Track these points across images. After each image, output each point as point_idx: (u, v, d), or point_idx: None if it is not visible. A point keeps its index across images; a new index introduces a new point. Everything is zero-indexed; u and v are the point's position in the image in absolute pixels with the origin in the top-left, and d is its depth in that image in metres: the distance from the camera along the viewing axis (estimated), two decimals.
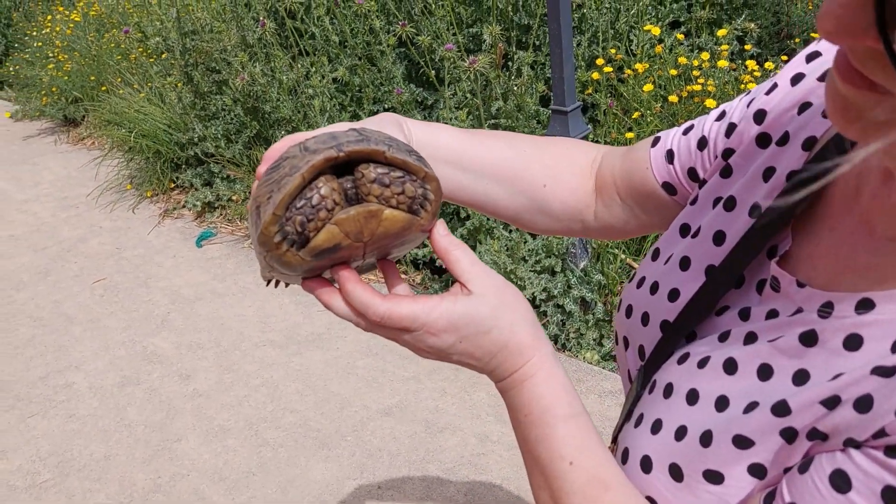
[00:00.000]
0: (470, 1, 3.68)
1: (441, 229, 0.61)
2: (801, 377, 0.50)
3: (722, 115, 0.71)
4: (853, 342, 0.48)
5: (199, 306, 3.39)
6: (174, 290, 3.56)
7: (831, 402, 0.46)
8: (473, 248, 3.10)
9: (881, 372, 0.44)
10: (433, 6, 3.32)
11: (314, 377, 2.81)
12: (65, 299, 3.62)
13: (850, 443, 0.45)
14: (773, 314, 0.55)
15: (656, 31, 3.31)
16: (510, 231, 2.96)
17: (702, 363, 0.58)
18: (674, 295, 0.65)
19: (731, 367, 0.55)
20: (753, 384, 0.53)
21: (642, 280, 0.71)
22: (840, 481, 0.44)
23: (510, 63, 3.40)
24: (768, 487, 0.50)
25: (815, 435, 0.47)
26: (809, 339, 0.51)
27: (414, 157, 0.58)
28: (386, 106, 3.56)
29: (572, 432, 0.56)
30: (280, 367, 2.89)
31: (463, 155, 0.76)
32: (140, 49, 5.22)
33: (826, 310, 0.51)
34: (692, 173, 0.72)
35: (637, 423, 0.61)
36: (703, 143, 0.71)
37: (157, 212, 4.43)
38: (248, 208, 0.62)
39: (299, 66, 3.67)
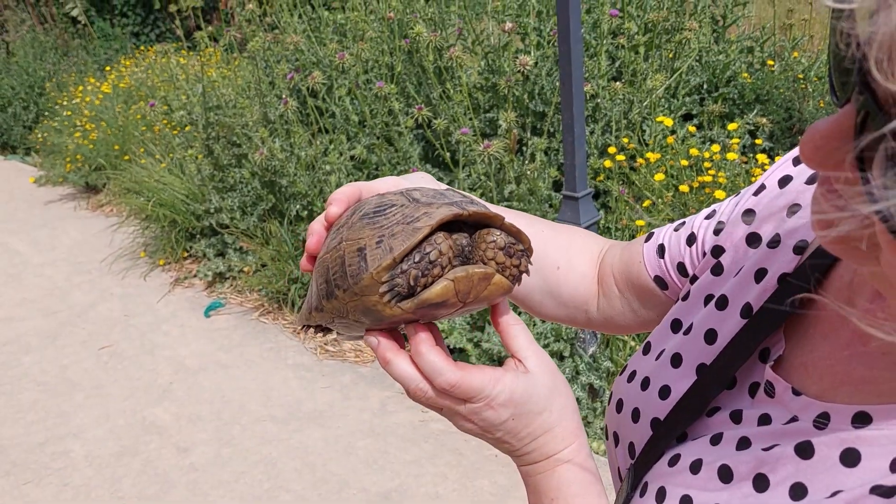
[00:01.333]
0: (487, 87, 3.78)
1: (504, 302, 0.62)
2: (798, 491, 0.48)
3: (712, 214, 0.72)
4: (851, 458, 0.46)
5: (203, 377, 3.36)
6: (178, 360, 3.54)
7: None
8: (482, 328, 3.08)
9: (880, 492, 0.43)
10: (451, 91, 3.41)
11: (313, 455, 2.76)
12: (71, 364, 3.61)
13: None
14: (765, 420, 0.54)
15: (669, 122, 3.37)
16: (519, 313, 2.95)
17: (694, 467, 0.57)
18: (665, 392, 0.64)
19: (725, 475, 0.54)
20: (749, 495, 0.51)
21: (633, 374, 0.70)
22: None
23: (524, 148, 3.46)
24: None
25: None
26: (805, 451, 0.49)
27: (523, 231, 0.60)
28: None
29: None
30: (280, 444, 2.84)
31: None
32: (164, 121, 5.37)
33: (822, 421, 0.49)
34: (681, 268, 0.73)
35: None
36: (691, 239, 0.73)
37: (168, 280, 4.45)
38: (315, 248, 0.62)
39: (318, 143, 3.75)
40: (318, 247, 0.62)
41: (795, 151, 0.64)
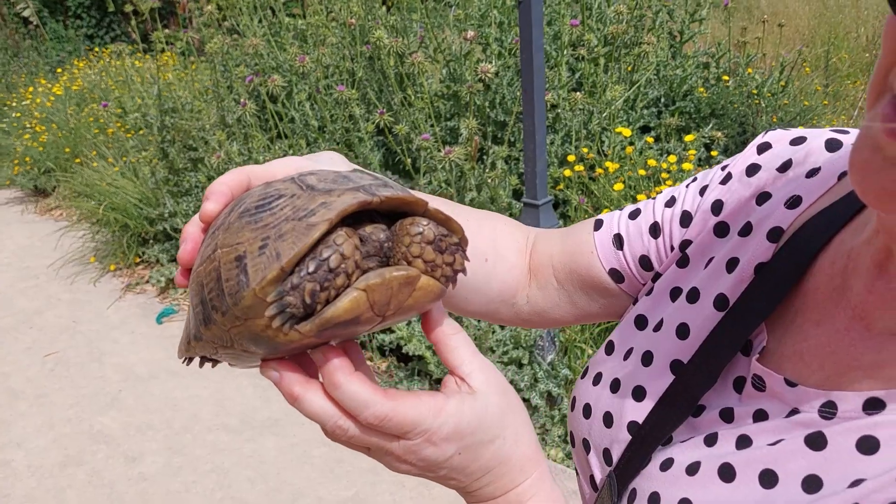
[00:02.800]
0: (449, 96, 3.78)
1: (439, 308, 0.51)
2: (811, 484, 0.45)
3: (672, 202, 0.68)
4: (868, 445, 0.44)
5: (153, 385, 3.26)
6: (128, 368, 3.43)
7: None
8: None
9: None
10: (412, 98, 3.40)
11: (267, 465, 2.69)
12: (13, 372, 3.47)
13: None
14: (762, 415, 0.51)
15: (627, 132, 3.42)
16: (479, 320, 2.93)
17: (691, 469, 0.52)
18: (639, 393, 0.60)
19: (727, 473, 0.50)
20: (755, 491, 0.48)
21: (598, 376, 0.66)
22: None
23: (485, 157, 3.46)
24: None
25: None
26: (817, 442, 0.46)
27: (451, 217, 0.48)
28: None
29: None
30: (232, 453, 2.76)
31: None
32: (118, 124, 5.24)
33: (829, 410, 0.47)
34: (644, 261, 0.69)
35: None
36: (656, 231, 0.68)
37: (119, 286, 4.33)
38: (188, 260, 0.48)
39: (277, 147, 3.70)
40: (193, 257, 0.49)
41: (759, 139, 0.64)
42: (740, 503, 0.48)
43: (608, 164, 3.30)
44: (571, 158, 3.30)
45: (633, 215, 0.71)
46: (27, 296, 4.35)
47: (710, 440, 0.53)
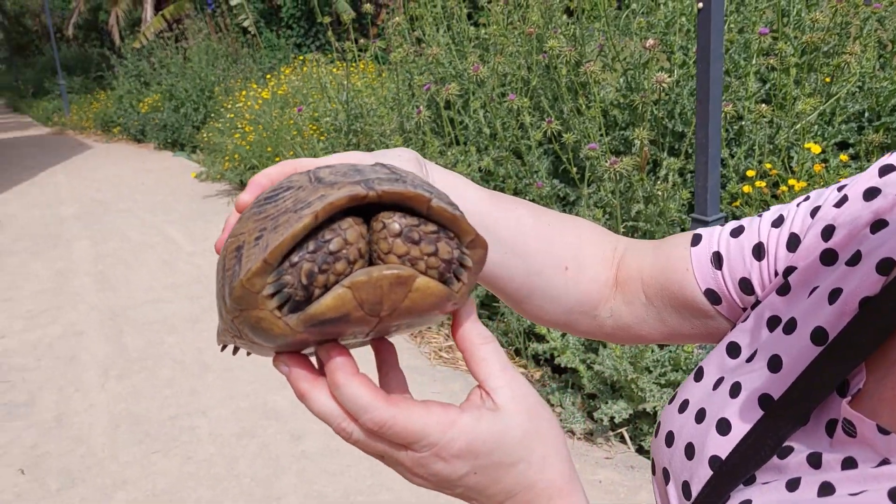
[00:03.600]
0: (625, 105, 3.70)
1: (470, 314, 0.48)
2: None
3: (780, 221, 0.63)
4: None
5: None
6: None
7: None
8: (595, 349, 3.01)
9: None
10: (583, 107, 3.37)
11: None
12: (206, 348, 3.87)
13: None
14: (850, 463, 0.47)
15: (817, 149, 3.15)
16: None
17: None
18: (724, 427, 0.57)
19: None
20: None
21: (685, 403, 0.62)
22: None
23: (658, 168, 3.35)
24: None
25: None
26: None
27: (460, 213, 0.44)
28: (528, 198, 3.60)
29: None
30: None
31: (488, 217, 0.64)
32: (313, 127, 5.66)
33: None
34: (745, 284, 0.64)
35: None
36: (760, 252, 0.63)
37: None
38: (220, 247, 0.47)
39: (449, 153, 3.82)
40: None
41: (883, 161, 0.58)
42: None
43: (793, 181, 3.07)
44: (751, 174, 3.10)
45: (736, 233, 0.65)
46: None
47: (793, 485, 0.49)
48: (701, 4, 2.43)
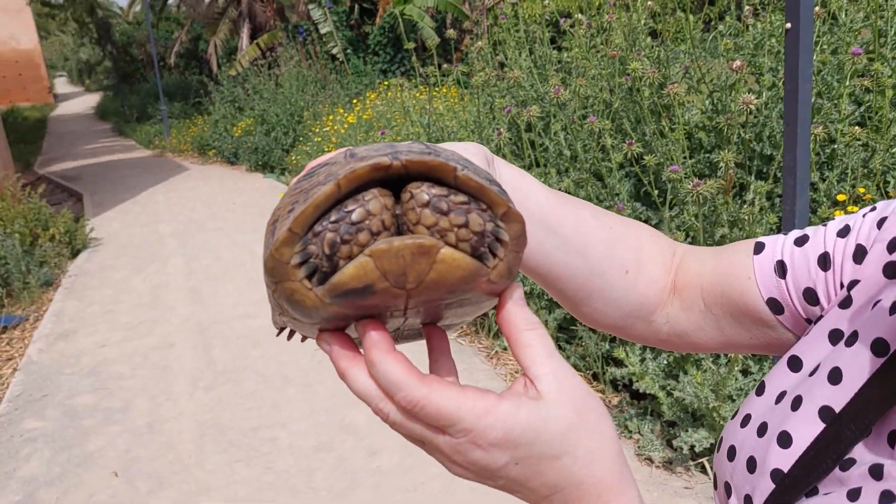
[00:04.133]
0: (711, 127, 3.63)
1: (515, 297, 0.46)
2: None
3: (846, 231, 0.62)
4: None
5: None
6: None
7: None
8: (676, 376, 2.94)
9: None
10: (666, 129, 3.32)
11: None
12: (288, 362, 3.98)
13: None
14: None
15: None
16: (718, 363, 2.77)
17: None
18: (785, 439, 0.56)
19: None
20: None
21: (747, 418, 0.61)
22: None
23: (745, 192, 3.27)
24: None
25: None
26: None
27: (495, 186, 0.43)
28: None
29: None
30: None
31: (552, 215, 0.64)
32: None
33: None
34: (809, 294, 0.63)
35: None
36: (825, 262, 0.62)
37: None
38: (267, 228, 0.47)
39: (530, 175, 3.83)
40: None
41: None
42: None
43: None
44: (842, 198, 2.99)
45: (800, 242, 0.65)
46: None
47: (854, 495, 0.49)
48: (789, 25, 2.37)
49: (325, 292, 0.40)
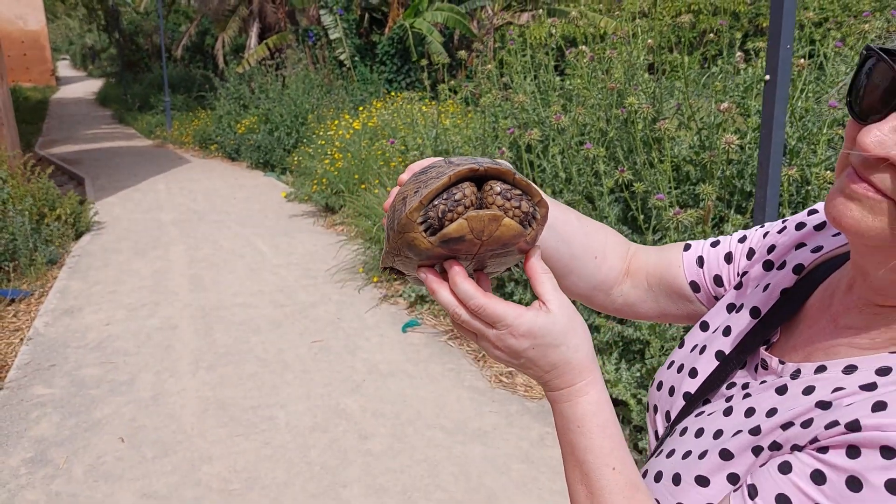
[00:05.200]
0: (697, 162, 3.93)
1: (537, 254, 0.73)
2: (771, 412, 0.70)
3: (744, 239, 0.93)
4: (808, 390, 0.68)
5: (391, 381, 3.79)
6: (373, 363, 4.01)
7: (787, 426, 0.67)
8: (645, 387, 3.20)
9: (821, 405, 0.66)
10: (655, 160, 3.61)
11: (471, 466, 3.04)
12: (287, 349, 4.22)
13: (795, 448, 0.65)
14: (764, 384, 0.77)
15: None
16: None
17: (709, 414, 0.79)
18: (693, 373, 0.86)
19: (728, 411, 0.76)
20: (741, 419, 0.73)
21: (672, 363, 0.91)
22: (785, 468, 0.64)
23: (723, 223, 3.55)
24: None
25: (774, 446, 0.67)
26: (782, 390, 0.72)
27: (535, 186, 0.70)
28: None
29: (616, 445, 0.73)
30: (443, 450, 3.16)
31: (552, 214, 0.91)
32: (399, 159, 6.05)
33: (795, 374, 0.72)
34: (717, 279, 0.94)
35: (660, 454, 0.81)
36: (729, 258, 0.93)
37: (377, 296, 5.01)
38: (388, 206, 0.74)
39: None
40: (390, 204, 0.75)
41: (812, 207, 0.87)
42: (730, 425, 0.73)
43: None
44: None
45: (714, 245, 0.96)
46: (307, 292, 5.20)
47: (728, 400, 0.79)
48: (768, 77, 2.67)
49: (436, 239, 0.67)
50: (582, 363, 0.72)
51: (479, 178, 0.69)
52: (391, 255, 0.75)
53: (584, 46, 4.54)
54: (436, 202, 0.67)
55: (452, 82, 6.07)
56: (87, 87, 29.20)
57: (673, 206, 3.36)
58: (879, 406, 0.60)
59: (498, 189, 0.67)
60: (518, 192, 0.68)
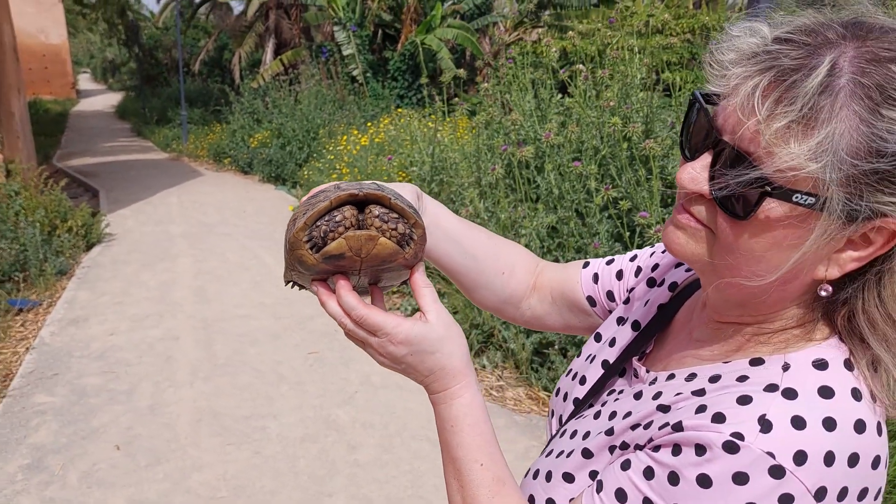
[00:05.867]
0: None
1: (420, 270, 0.81)
2: (626, 415, 0.77)
3: (634, 258, 1.01)
4: (656, 396, 0.76)
5: (382, 393, 3.85)
6: (366, 376, 4.08)
7: (635, 426, 0.74)
8: None
9: (661, 409, 0.73)
10: (642, 179, 3.67)
11: None
12: (284, 361, 4.30)
13: (637, 447, 0.73)
14: (638, 395, 0.83)
15: None
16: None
17: (584, 417, 0.87)
18: (583, 380, 0.94)
19: (597, 415, 0.84)
20: (604, 422, 0.81)
21: (570, 371, 1.00)
22: (626, 465, 0.71)
23: None
24: None
25: (624, 446, 0.75)
26: (638, 396, 0.79)
27: (411, 209, 0.77)
28: (589, 256, 3.89)
29: (484, 442, 0.79)
30: (429, 462, 3.21)
31: (458, 233, 0.99)
32: (402, 174, 6.13)
33: (653, 381, 0.80)
34: (609, 294, 1.02)
35: (544, 454, 0.88)
36: (620, 275, 1.01)
37: None
38: (288, 223, 0.81)
39: (519, 210, 4.17)
40: None
41: None
42: (595, 427, 0.81)
43: None
44: None
45: (609, 262, 1.03)
46: (305, 304, 5.28)
47: (603, 404, 0.87)
48: None
49: (319, 256, 0.76)
50: (456, 368, 0.79)
51: (360, 202, 0.77)
52: (288, 270, 0.83)
53: (580, 65, 4.61)
54: (319, 223, 0.75)
55: (456, 99, 6.16)
56: (106, 101, 29.68)
57: (660, 222, 3.41)
58: (701, 409, 0.67)
59: (376, 212, 0.75)
60: (395, 215, 0.76)
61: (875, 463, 0.64)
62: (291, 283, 0.88)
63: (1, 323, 4.89)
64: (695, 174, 0.67)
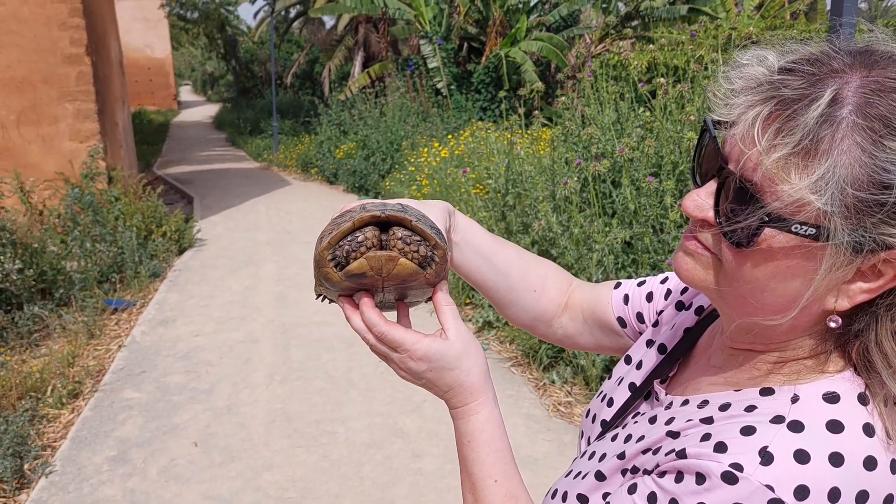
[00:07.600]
0: None
1: (443, 288, 0.83)
2: (640, 439, 0.77)
3: (665, 280, 0.99)
4: (669, 421, 0.75)
5: None
6: None
7: (646, 451, 0.74)
8: None
9: (671, 434, 0.72)
10: None
11: None
12: (355, 367, 4.39)
13: (645, 472, 0.72)
14: (654, 419, 0.82)
15: None
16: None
17: (604, 439, 0.86)
18: (611, 402, 0.93)
19: (615, 437, 0.84)
20: (619, 445, 0.80)
21: (600, 393, 0.99)
22: (632, 489, 0.71)
23: None
24: None
25: (635, 470, 0.74)
26: (653, 420, 0.78)
27: (434, 231, 0.79)
28: (663, 271, 3.81)
29: (499, 459, 0.81)
30: None
31: (489, 249, 1.01)
32: (479, 186, 6.17)
33: (668, 406, 0.79)
34: (639, 316, 1.00)
35: (566, 475, 0.88)
36: (650, 297, 0.99)
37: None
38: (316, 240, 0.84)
39: (595, 224, 4.13)
40: None
41: None
42: (611, 450, 0.81)
43: None
44: None
45: (640, 284, 1.02)
46: None
47: (626, 428, 0.85)
48: None
49: (342, 274, 0.79)
50: (474, 385, 0.81)
51: (384, 223, 0.80)
52: (317, 284, 0.86)
53: (661, 79, 4.53)
54: (342, 243, 0.78)
55: (537, 112, 6.15)
56: (205, 112, 31.07)
57: None
58: (706, 437, 0.66)
59: (399, 234, 0.78)
60: (417, 237, 0.79)
61: (887, 502, 0.62)
62: (322, 297, 0.90)
63: (98, 321, 5.19)
64: (700, 201, 0.67)
